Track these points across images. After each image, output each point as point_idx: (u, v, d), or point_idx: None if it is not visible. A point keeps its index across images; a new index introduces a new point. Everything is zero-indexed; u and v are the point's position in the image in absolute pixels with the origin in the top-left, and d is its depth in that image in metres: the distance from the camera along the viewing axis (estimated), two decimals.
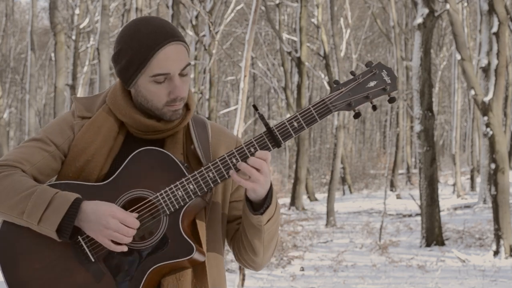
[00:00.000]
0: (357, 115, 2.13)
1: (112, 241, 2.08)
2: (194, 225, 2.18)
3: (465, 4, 24.81)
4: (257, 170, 2.07)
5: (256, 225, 2.14)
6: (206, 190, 2.11)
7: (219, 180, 2.11)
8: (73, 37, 24.22)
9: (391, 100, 2.13)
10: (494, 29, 12.67)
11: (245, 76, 5.75)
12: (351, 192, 29.74)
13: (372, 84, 2.12)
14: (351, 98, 2.11)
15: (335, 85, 2.13)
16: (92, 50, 24.91)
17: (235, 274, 9.48)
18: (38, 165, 2.20)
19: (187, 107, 2.25)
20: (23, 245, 2.15)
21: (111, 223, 2.05)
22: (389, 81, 2.12)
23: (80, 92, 25.05)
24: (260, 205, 2.13)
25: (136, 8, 19.54)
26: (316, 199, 27.18)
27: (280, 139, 2.09)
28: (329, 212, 18.95)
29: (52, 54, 22.84)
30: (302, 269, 11.80)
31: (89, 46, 25.10)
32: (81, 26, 23.98)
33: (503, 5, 12.82)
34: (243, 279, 7.58)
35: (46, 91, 38.56)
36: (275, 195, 2.14)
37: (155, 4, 26.73)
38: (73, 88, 23.15)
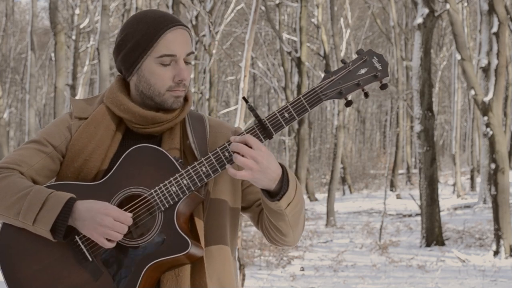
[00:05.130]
0: (348, 103, 2.11)
1: (106, 239, 2.09)
2: (191, 220, 2.18)
3: (465, 4, 24.80)
4: (241, 155, 2.03)
5: (277, 210, 2.11)
6: (200, 184, 2.10)
7: (212, 174, 2.10)
8: (73, 37, 24.22)
9: (383, 86, 2.10)
10: (494, 29, 12.67)
11: (245, 76, 5.75)
12: (351, 192, 29.73)
13: (363, 71, 2.09)
14: (341, 86, 2.08)
15: (325, 74, 2.11)
16: (92, 50, 24.90)
17: None
18: (36, 166, 2.21)
19: (185, 100, 2.25)
20: (22, 246, 2.17)
21: (106, 221, 2.05)
22: (380, 68, 2.10)
23: (80, 92, 25.03)
24: (276, 192, 2.09)
25: (136, 8, 19.54)
26: (316, 199, 27.17)
27: (272, 130, 2.08)
28: (329, 212, 18.95)
29: (52, 54, 22.84)
30: (302, 269, 11.80)
31: (89, 46, 25.09)
32: (81, 26, 23.98)
33: (503, 5, 12.82)
34: (243, 279, 7.58)
35: (46, 91, 38.53)
36: (292, 179, 2.09)
37: (155, 4, 26.71)
38: (73, 88, 23.14)
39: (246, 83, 5.81)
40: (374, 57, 2.11)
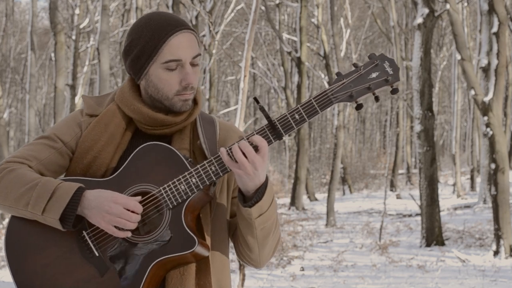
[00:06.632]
0: (359, 107, 2.12)
1: (116, 228, 2.09)
2: (198, 219, 2.19)
3: (465, 4, 24.81)
4: (244, 155, 2.06)
5: (247, 218, 2.13)
6: (208, 183, 2.11)
7: (221, 173, 2.11)
8: (73, 37, 24.22)
9: (394, 91, 2.11)
10: (494, 29, 12.66)
11: (245, 76, 5.75)
12: (351, 192, 29.73)
13: (374, 75, 2.11)
14: (352, 89, 2.10)
15: (336, 77, 2.12)
16: (92, 50, 24.90)
17: (235, 274, 9.49)
18: (45, 161, 2.23)
19: (195, 102, 2.27)
20: (30, 241, 2.18)
21: (114, 208, 2.07)
22: (391, 72, 2.11)
23: (80, 92, 25.02)
24: (251, 199, 2.12)
25: (136, 8, 19.54)
26: (316, 199, 27.18)
27: (282, 131, 2.10)
28: (329, 212, 18.94)
29: (52, 54, 22.82)
30: (302, 269, 11.80)
31: (89, 46, 25.08)
32: (81, 26, 23.98)
33: (503, 5, 12.82)
34: (243, 279, 7.58)
35: (46, 91, 38.53)
36: (270, 193, 2.12)
37: (155, 4, 26.71)
38: (73, 88, 23.14)
39: (246, 83, 5.81)
40: (386, 61, 2.12)
